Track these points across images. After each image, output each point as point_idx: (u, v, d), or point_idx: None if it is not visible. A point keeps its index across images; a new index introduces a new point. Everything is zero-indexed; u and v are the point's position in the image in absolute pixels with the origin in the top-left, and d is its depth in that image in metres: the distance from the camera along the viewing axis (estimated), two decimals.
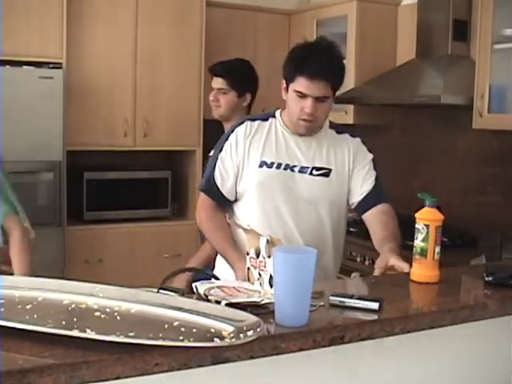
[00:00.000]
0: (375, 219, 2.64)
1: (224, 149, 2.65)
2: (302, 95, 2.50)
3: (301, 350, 1.64)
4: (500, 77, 3.88)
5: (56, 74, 4.66)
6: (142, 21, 5.08)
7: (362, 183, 2.68)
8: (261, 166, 2.58)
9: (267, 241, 1.87)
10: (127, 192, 5.21)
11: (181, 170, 5.49)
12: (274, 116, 2.69)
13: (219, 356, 1.53)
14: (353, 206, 2.71)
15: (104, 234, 5.04)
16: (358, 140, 2.74)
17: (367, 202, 2.67)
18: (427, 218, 2.20)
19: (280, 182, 2.58)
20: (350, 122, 4.96)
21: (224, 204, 2.69)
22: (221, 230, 2.66)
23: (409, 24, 4.88)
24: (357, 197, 2.68)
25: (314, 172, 2.60)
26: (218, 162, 2.65)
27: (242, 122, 2.67)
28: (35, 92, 4.59)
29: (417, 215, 2.23)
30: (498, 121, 3.86)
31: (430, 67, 4.62)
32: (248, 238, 1.97)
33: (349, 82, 4.94)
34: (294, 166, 2.59)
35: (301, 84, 2.48)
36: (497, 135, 4.22)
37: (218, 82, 3.58)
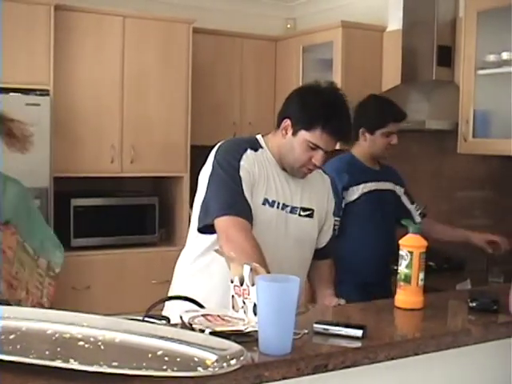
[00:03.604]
0: (326, 264, 2.76)
1: (241, 172, 2.40)
2: (315, 147, 2.41)
3: (284, 378, 1.63)
4: (484, 102, 3.92)
5: (43, 100, 4.67)
6: (129, 48, 5.12)
7: (325, 234, 2.71)
8: (263, 203, 2.45)
9: (251, 269, 1.87)
10: (114, 218, 5.21)
11: (168, 196, 5.50)
12: (261, 146, 2.53)
13: None
14: None
15: (91, 261, 5.03)
16: (329, 180, 2.75)
17: (323, 253, 2.73)
18: (411, 245, 2.22)
19: (277, 221, 2.48)
20: (337, 147, 4.97)
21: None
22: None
23: (394, 50, 4.94)
24: (316, 245, 2.70)
25: (302, 213, 2.54)
26: (244, 187, 2.39)
27: (245, 149, 2.46)
28: (22, 119, 4.58)
29: (400, 242, 2.25)
30: (482, 145, 3.89)
31: (415, 92, 4.66)
32: (232, 266, 1.97)
33: None
34: (287, 206, 2.50)
35: (319, 138, 2.38)
36: (482, 160, 4.25)
37: (399, 126, 3.52)
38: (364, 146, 3.45)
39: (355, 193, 3.36)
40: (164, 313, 2.39)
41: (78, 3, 4.94)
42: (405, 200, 3.62)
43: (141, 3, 5.41)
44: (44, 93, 4.70)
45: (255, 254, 2.21)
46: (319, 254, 2.71)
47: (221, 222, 2.36)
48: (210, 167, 2.47)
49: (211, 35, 5.60)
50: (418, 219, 3.58)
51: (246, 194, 2.39)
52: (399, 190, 3.61)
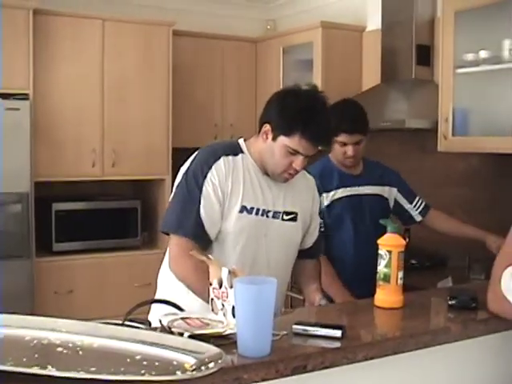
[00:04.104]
0: (311, 264, 2.77)
1: (205, 188, 2.39)
2: (295, 152, 2.38)
3: (263, 380, 1.63)
4: (463, 100, 3.94)
5: (23, 105, 4.65)
6: (109, 51, 5.10)
7: (311, 236, 2.72)
8: (241, 211, 2.42)
9: (229, 271, 1.87)
10: (96, 222, 5.20)
11: (150, 199, 5.49)
12: (242, 151, 2.50)
13: None
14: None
15: (73, 265, 5.02)
16: (314, 181, 2.73)
17: (309, 253, 2.74)
18: (389, 244, 2.22)
19: (257, 228, 2.46)
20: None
21: (207, 247, 2.43)
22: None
23: (373, 50, 4.96)
24: (302, 246, 2.70)
25: (285, 217, 2.53)
26: (203, 203, 2.38)
27: (218, 158, 2.42)
28: (2, 124, 4.57)
29: (379, 241, 2.26)
30: (462, 143, 3.91)
31: (394, 92, 4.68)
32: (211, 269, 1.97)
33: None
34: (269, 212, 2.48)
35: (300, 145, 2.35)
36: (462, 157, 4.28)
37: (356, 137, 3.29)
38: (341, 151, 3.32)
39: (325, 200, 3.27)
40: (149, 316, 2.40)
41: (57, 7, 4.92)
42: (401, 200, 3.52)
43: (120, 6, 5.40)
44: (24, 97, 4.68)
45: (199, 285, 2.24)
46: (305, 255, 2.71)
47: (172, 242, 2.44)
48: (181, 176, 2.49)
49: (191, 37, 5.60)
50: (418, 218, 3.53)
51: (204, 212, 2.38)
52: (388, 192, 3.47)
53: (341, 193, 3.32)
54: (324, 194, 3.27)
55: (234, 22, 5.99)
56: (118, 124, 5.16)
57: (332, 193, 3.30)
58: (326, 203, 3.28)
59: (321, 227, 2.80)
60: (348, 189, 3.34)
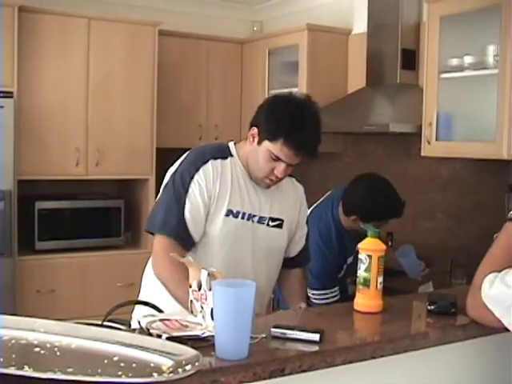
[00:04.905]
0: (296, 275, 2.77)
1: (191, 189, 2.40)
2: (277, 158, 2.38)
3: (241, 383, 1.63)
4: (447, 105, 3.96)
5: (7, 102, 4.62)
6: (95, 50, 5.08)
7: (296, 244, 2.72)
8: (227, 215, 2.43)
9: (208, 274, 1.87)
10: (79, 221, 5.18)
11: (134, 199, 5.48)
12: (231, 154, 2.51)
13: None
14: None
15: (56, 264, 4.99)
16: (302, 189, 2.72)
17: (293, 262, 2.74)
18: (369, 249, 2.23)
19: (243, 232, 2.47)
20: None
21: (190, 248, 2.45)
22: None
23: (359, 53, 4.97)
24: (287, 254, 2.70)
25: (270, 223, 2.53)
26: (188, 205, 2.40)
27: (207, 161, 2.44)
28: None
29: (359, 246, 2.26)
30: (445, 148, 3.93)
31: (379, 95, 4.69)
32: (190, 271, 1.97)
33: None
34: (254, 216, 2.49)
35: (281, 152, 2.35)
36: (446, 162, 4.30)
37: None
38: (353, 225, 3.31)
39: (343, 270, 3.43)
40: (133, 317, 2.40)
41: (43, 5, 4.89)
42: None
43: (106, 5, 5.39)
44: (8, 95, 4.64)
45: (172, 285, 2.37)
46: (290, 263, 2.71)
47: (155, 240, 2.46)
48: (168, 177, 2.50)
49: (177, 38, 5.59)
50: None
51: (188, 213, 2.40)
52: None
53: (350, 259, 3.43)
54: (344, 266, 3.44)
55: (220, 23, 5.98)
56: (103, 123, 5.14)
57: (345, 266, 3.44)
58: (342, 274, 3.45)
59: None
60: (353, 255, 3.39)
